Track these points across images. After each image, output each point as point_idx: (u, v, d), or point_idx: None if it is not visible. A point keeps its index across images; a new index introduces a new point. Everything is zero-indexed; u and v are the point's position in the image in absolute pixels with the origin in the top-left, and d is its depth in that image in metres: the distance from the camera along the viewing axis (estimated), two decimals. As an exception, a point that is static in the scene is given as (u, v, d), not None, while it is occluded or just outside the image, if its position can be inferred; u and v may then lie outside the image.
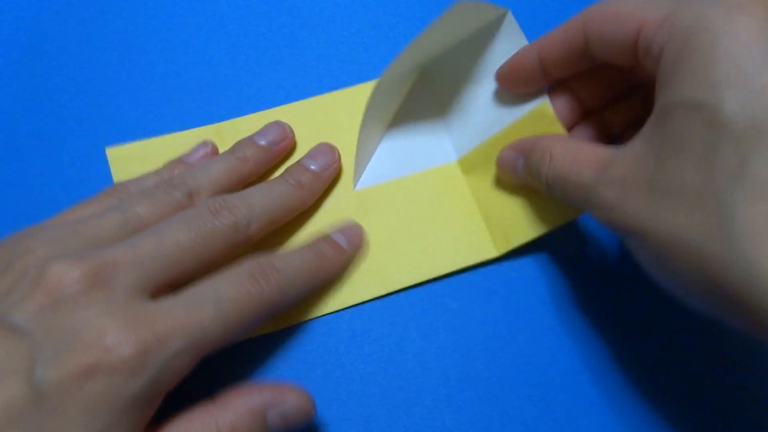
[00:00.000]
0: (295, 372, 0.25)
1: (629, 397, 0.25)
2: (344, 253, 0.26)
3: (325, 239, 0.26)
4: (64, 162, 0.28)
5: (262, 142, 0.27)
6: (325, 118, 0.29)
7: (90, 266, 0.19)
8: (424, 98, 0.29)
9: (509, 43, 0.26)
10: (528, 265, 0.27)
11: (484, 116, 0.28)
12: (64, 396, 0.18)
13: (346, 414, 0.25)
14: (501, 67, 0.26)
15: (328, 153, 0.27)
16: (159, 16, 0.31)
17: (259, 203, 0.24)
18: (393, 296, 0.27)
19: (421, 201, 0.28)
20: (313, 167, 0.27)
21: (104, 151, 0.28)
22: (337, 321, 0.26)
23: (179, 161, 0.27)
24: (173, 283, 0.21)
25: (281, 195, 0.25)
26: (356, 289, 0.26)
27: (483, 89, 0.27)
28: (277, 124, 0.28)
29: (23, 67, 0.30)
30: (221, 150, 0.28)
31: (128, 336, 0.18)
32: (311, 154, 0.27)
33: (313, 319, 0.26)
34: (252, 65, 0.30)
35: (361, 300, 0.26)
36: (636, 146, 0.19)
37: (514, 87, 0.26)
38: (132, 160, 0.28)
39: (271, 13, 0.31)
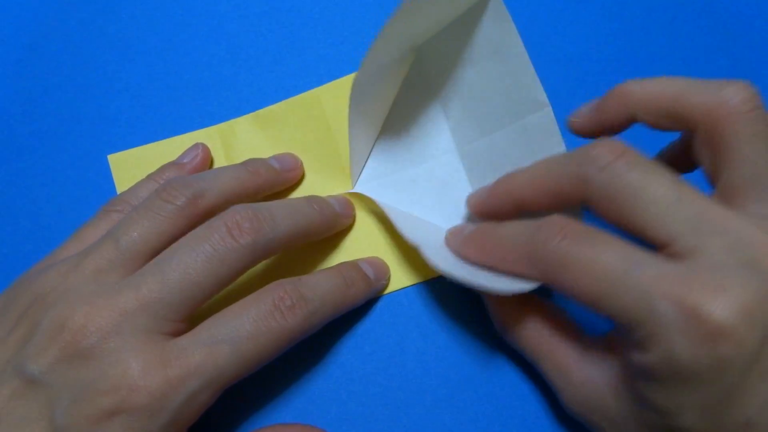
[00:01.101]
0: (295, 372, 0.25)
1: (629, 397, 0.25)
2: (371, 284, 0.25)
3: (354, 267, 0.25)
4: (64, 161, 0.28)
5: (276, 165, 0.27)
6: (323, 114, 0.29)
7: (101, 317, 0.20)
8: (420, 84, 0.28)
9: (495, 25, 0.25)
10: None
11: (479, 104, 0.27)
12: None
13: (346, 414, 0.25)
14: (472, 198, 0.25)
15: (348, 205, 0.27)
16: (159, 16, 0.31)
17: (285, 221, 0.23)
18: (393, 296, 0.27)
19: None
20: (337, 208, 0.26)
21: (104, 151, 0.28)
22: (338, 320, 0.26)
23: (172, 164, 0.27)
24: (188, 317, 0.21)
25: (306, 216, 0.24)
26: None
27: (474, 73, 0.27)
28: (291, 155, 0.28)
29: (23, 67, 0.30)
30: (218, 151, 0.28)
31: (143, 383, 0.19)
32: (335, 199, 0.27)
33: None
34: (252, 65, 0.30)
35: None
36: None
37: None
38: (134, 165, 0.28)
39: (271, 13, 0.31)
